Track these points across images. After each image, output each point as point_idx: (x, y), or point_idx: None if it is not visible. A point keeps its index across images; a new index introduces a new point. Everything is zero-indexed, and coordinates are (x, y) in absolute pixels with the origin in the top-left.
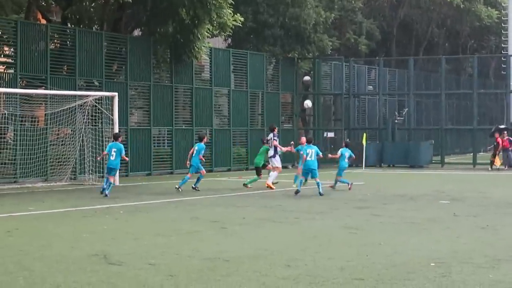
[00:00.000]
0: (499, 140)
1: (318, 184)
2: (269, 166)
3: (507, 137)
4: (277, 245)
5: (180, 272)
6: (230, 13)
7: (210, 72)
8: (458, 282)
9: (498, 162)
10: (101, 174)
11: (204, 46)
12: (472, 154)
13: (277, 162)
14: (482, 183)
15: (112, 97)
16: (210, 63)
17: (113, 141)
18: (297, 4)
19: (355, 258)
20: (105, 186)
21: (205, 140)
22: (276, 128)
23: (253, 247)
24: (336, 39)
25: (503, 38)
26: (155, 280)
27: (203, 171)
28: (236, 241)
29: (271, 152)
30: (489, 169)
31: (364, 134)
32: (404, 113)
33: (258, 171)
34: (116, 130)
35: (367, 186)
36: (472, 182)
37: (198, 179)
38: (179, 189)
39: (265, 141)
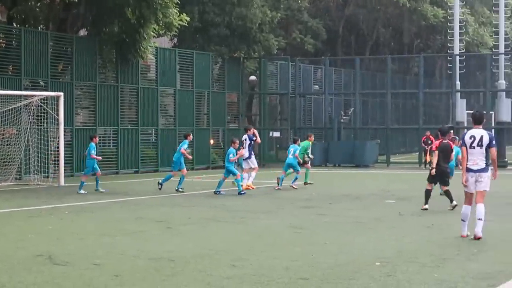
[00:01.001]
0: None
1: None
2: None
3: (452, 136)
4: (222, 245)
5: (125, 272)
6: (176, 12)
7: (156, 72)
8: (403, 281)
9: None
10: (46, 174)
11: (150, 46)
12: (417, 153)
13: (252, 163)
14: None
15: (58, 97)
16: (156, 63)
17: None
18: (243, 4)
19: (300, 257)
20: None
21: (189, 138)
22: (252, 129)
23: (198, 246)
24: (282, 39)
25: (449, 38)
26: (100, 280)
27: (184, 170)
28: (182, 240)
29: (246, 154)
30: (424, 167)
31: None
32: (350, 112)
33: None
34: (61, 130)
35: (313, 186)
36: (418, 182)
37: (181, 180)
38: (160, 186)
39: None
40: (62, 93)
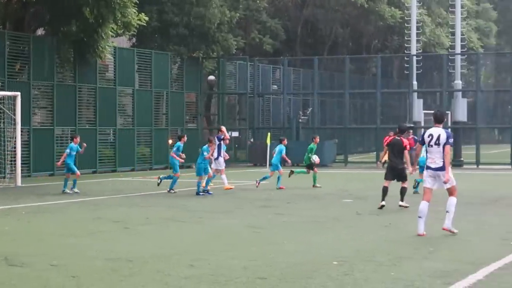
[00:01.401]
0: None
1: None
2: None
3: (412, 136)
4: (180, 245)
5: (82, 273)
6: (134, 12)
7: (114, 72)
8: (360, 280)
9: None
10: (3, 175)
11: (108, 46)
12: (375, 153)
13: (219, 164)
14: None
15: (15, 97)
16: (114, 63)
17: None
18: (201, 4)
19: (259, 257)
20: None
21: (183, 139)
22: (222, 129)
23: (156, 246)
24: (241, 39)
25: (406, 38)
26: (57, 281)
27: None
28: (139, 241)
29: (215, 154)
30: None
31: (269, 134)
32: (308, 112)
33: (310, 167)
34: (19, 130)
35: (272, 186)
36: (375, 181)
37: (174, 181)
38: (172, 191)
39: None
40: (19, 93)
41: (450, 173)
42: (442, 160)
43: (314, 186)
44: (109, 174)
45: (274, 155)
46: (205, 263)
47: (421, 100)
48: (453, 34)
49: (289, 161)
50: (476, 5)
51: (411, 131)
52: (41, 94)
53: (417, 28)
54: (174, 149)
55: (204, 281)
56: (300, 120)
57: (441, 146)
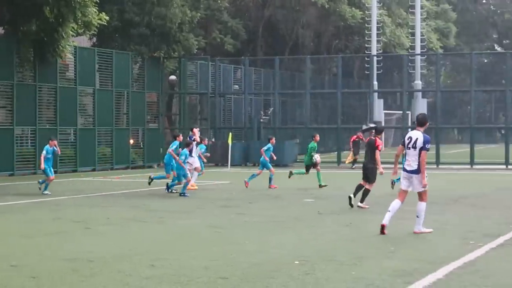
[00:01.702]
0: (355, 138)
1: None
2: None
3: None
4: (142, 245)
5: (42, 274)
6: (95, 11)
7: (74, 71)
8: (321, 279)
9: (349, 159)
10: None
11: (68, 45)
12: (336, 153)
13: (194, 162)
14: (345, 181)
15: None
16: (74, 62)
17: None
18: (162, 4)
19: (220, 257)
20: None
21: (179, 138)
22: (194, 129)
23: (117, 247)
24: (202, 39)
25: (366, 38)
26: (17, 282)
27: (174, 172)
28: (100, 241)
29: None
30: (352, 166)
31: (230, 134)
32: (269, 112)
33: (309, 168)
34: None
35: (233, 185)
36: (336, 181)
37: (173, 182)
38: (172, 191)
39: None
40: None
41: (422, 176)
42: (417, 164)
43: (320, 186)
44: (69, 174)
45: (263, 154)
46: (166, 263)
47: (382, 100)
48: (413, 34)
49: (275, 158)
50: (436, 6)
51: (372, 131)
52: (0, 93)
53: (378, 29)
54: (174, 147)
55: (165, 281)
56: (261, 120)
57: (417, 150)
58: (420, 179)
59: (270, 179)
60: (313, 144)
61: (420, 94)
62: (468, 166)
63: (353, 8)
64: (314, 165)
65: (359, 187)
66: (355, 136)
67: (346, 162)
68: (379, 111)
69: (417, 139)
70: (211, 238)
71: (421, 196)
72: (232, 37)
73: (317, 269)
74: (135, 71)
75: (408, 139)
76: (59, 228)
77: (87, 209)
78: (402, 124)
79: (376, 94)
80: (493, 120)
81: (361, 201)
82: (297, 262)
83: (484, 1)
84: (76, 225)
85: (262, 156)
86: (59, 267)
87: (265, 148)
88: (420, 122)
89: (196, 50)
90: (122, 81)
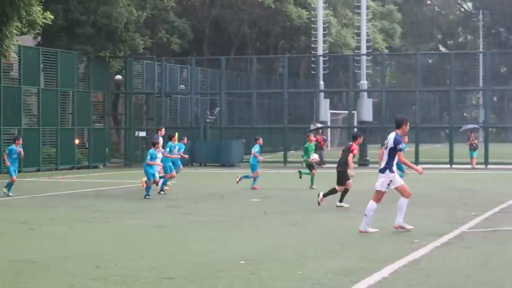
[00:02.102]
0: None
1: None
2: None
3: (321, 136)
4: (87, 246)
5: None
6: (39, 10)
7: (19, 71)
8: (267, 279)
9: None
10: None
11: (12, 44)
12: (282, 152)
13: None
14: (292, 181)
15: None
16: (19, 62)
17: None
18: (108, 3)
19: (166, 257)
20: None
21: (174, 139)
22: (161, 130)
23: (62, 248)
24: (148, 38)
25: (312, 39)
26: None
27: (169, 174)
28: (45, 242)
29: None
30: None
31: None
32: (216, 112)
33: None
34: None
35: (178, 185)
36: (282, 180)
37: (164, 182)
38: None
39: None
40: None
41: (386, 178)
42: (384, 163)
43: (311, 187)
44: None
45: (253, 155)
46: (111, 264)
47: (328, 100)
48: (358, 35)
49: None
50: (381, 7)
51: (320, 131)
52: None
53: (324, 29)
54: (167, 149)
55: (111, 282)
56: (207, 120)
57: (387, 150)
58: (383, 177)
59: (247, 178)
60: (307, 145)
61: (366, 94)
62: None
63: (299, 8)
64: (310, 167)
65: (332, 191)
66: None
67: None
68: (325, 111)
69: (389, 140)
70: (157, 238)
71: (376, 195)
72: (179, 37)
73: (262, 268)
74: (80, 70)
75: (385, 140)
76: (3, 229)
77: (31, 209)
78: (348, 123)
79: (322, 94)
80: (437, 120)
81: (340, 200)
82: (243, 262)
83: (428, 2)
84: (20, 226)
85: (253, 157)
86: (2, 268)
87: (255, 149)
88: (395, 123)
89: (142, 50)
90: (67, 81)
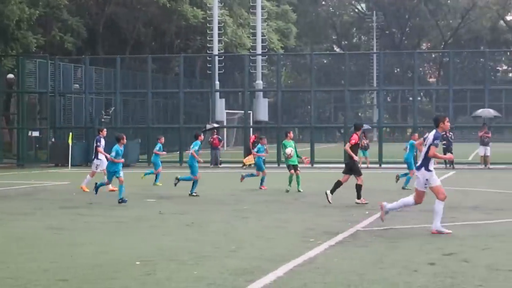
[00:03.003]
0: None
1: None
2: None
3: (216, 135)
4: None
5: None
6: None
7: None
8: (163, 279)
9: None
10: None
11: None
12: (178, 152)
13: (102, 164)
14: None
15: None
16: None
17: None
18: None
19: (60, 259)
20: None
21: (200, 138)
22: (103, 131)
23: None
24: (41, 37)
25: (208, 38)
26: None
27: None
28: None
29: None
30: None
31: (70, 133)
32: (110, 112)
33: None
34: None
35: (73, 186)
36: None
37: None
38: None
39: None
40: None
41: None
42: (420, 161)
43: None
44: None
45: (256, 155)
46: (3, 266)
47: (223, 100)
48: (254, 35)
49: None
50: (277, 7)
51: (215, 131)
52: None
53: (219, 29)
54: (157, 148)
55: (3, 284)
56: (102, 120)
57: (426, 147)
58: (418, 176)
59: (253, 177)
60: (285, 142)
61: (261, 94)
62: (309, 165)
63: (194, 8)
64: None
65: (337, 184)
66: (253, 137)
67: (247, 163)
68: (221, 111)
69: (428, 137)
70: (51, 240)
71: (415, 194)
72: (73, 35)
73: (158, 269)
74: None
75: (426, 139)
76: None
77: None
78: (244, 123)
79: (218, 94)
80: (332, 120)
81: (358, 197)
82: (139, 263)
83: (323, 3)
84: None
85: (257, 157)
86: None
87: (256, 150)
88: (434, 124)
89: (35, 49)
90: None
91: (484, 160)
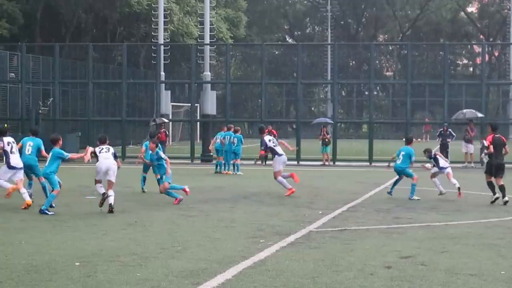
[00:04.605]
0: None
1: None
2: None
3: (164, 130)
4: None
5: None
6: None
7: None
8: (104, 281)
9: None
10: None
11: None
12: (120, 147)
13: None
14: (131, 178)
15: None
16: None
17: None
18: None
19: None
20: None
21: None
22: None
23: None
24: None
25: (153, 26)
26: None
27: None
28: None
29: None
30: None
31: (5, 125)
32: (49, 103)
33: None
34: None
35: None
36: (121, 177)
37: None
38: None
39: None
40: None
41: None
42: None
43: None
44: None
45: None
46: None
47: (169, 92)
48: (202, 23)
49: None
50: None
51: (163, 124)
52: None
53: (165, 16)
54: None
55: None
56: (40, 111)
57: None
58: None
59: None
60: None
61: (209, 86)
62: (259, 162)
63: None
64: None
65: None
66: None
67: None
68: (166, 103)
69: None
70: None
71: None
72: (8, 21)
73: (99, 270)
74: None
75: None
76: None
77: None
78: (190, 117)
79: (163, 85)
80: (284, 114)
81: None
82: (78, 264)
83: None
84: None
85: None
86: None
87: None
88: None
89: None
90: None
91: (470, 157)
